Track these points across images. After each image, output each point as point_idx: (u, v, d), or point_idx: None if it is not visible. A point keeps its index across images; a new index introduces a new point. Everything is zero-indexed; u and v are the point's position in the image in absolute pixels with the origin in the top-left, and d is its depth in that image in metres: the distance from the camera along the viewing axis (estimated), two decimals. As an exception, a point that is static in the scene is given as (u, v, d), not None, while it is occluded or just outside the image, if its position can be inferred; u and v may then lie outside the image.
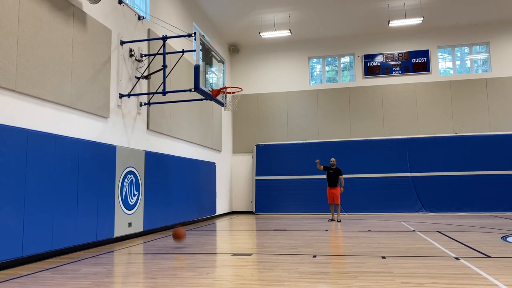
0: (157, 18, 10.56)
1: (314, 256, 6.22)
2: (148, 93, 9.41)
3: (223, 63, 10.28)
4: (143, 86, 9.67)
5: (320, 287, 4.33)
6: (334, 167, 12.61)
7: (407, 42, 16.47)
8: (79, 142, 7.01)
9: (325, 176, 12.95)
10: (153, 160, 9.62)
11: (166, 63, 9.14)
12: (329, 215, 13.52)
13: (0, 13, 5.73)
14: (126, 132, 8.97)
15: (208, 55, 9.34)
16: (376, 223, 11.51)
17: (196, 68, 8.42)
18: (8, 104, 5.85)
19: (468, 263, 5.44)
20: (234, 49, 17.48)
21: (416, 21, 14.30)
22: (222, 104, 10.12)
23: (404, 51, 16.43)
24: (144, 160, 9.21)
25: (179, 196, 11.01)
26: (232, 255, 6.44)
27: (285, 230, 10.20)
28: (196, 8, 13.78)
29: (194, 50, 9.26)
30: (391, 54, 16.51)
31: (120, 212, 8.15)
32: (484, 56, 16.30)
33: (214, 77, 10.02)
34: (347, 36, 16.89)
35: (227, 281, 4.66)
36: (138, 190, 8.90)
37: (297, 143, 16.54)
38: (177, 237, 7.30)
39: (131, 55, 9.17)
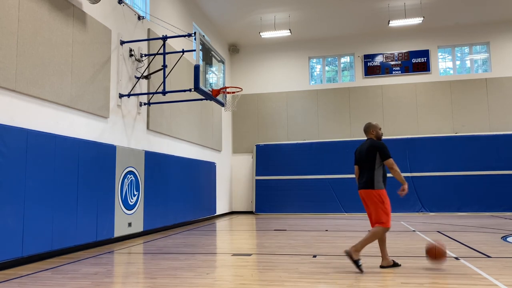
0: (157, 18, 10.56)
1: (314, 256, 6.22)
2: (148, 93, 9.41)
3: (223, 63, 10.28)
4: (143, 86, 9.67)
5: (320, 287, 4.33)
6: None
7: (407, 42, 16.46)
8: (79, 142, 7.01)
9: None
10: (153, 160, 9.62)
11: (166, 63, 9.14)
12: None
13: (0, 13, 5.73)
14: (126, 132, 8.97)
15: (208, 55, 9.34)
16: (376, 223, 11.49)
17: (196, 68, 8.42)
18: (8, 104, 5.85)
19: (468, 263, 5.44)
20: (234, 49, 17.48)
21: (416, 21, 14.29)
22: (222, 104, 10.12)
23: (404, 51, 16.43)
24: (144, 160, 9.20)
25: (179, 196, 11.01)
26: (232, 255, 6.44)
27: (285, 230, 10.19)
28: (196, 8, 13.78)
29: (194, 50, 9.26)
30: (391, 54, 16.51)
31: (120, 212, 8.15)
32: (484, 56, 16.30)
33: (214, 77, 10.01)
34: (347, 36, 16.88)
35: (227, 281, 4.66)
36: (138, 190, 8.90)
37: (297, 143, 16.53)
38: (435, 256, 5.22)
39: (131, 55, 9.16)
